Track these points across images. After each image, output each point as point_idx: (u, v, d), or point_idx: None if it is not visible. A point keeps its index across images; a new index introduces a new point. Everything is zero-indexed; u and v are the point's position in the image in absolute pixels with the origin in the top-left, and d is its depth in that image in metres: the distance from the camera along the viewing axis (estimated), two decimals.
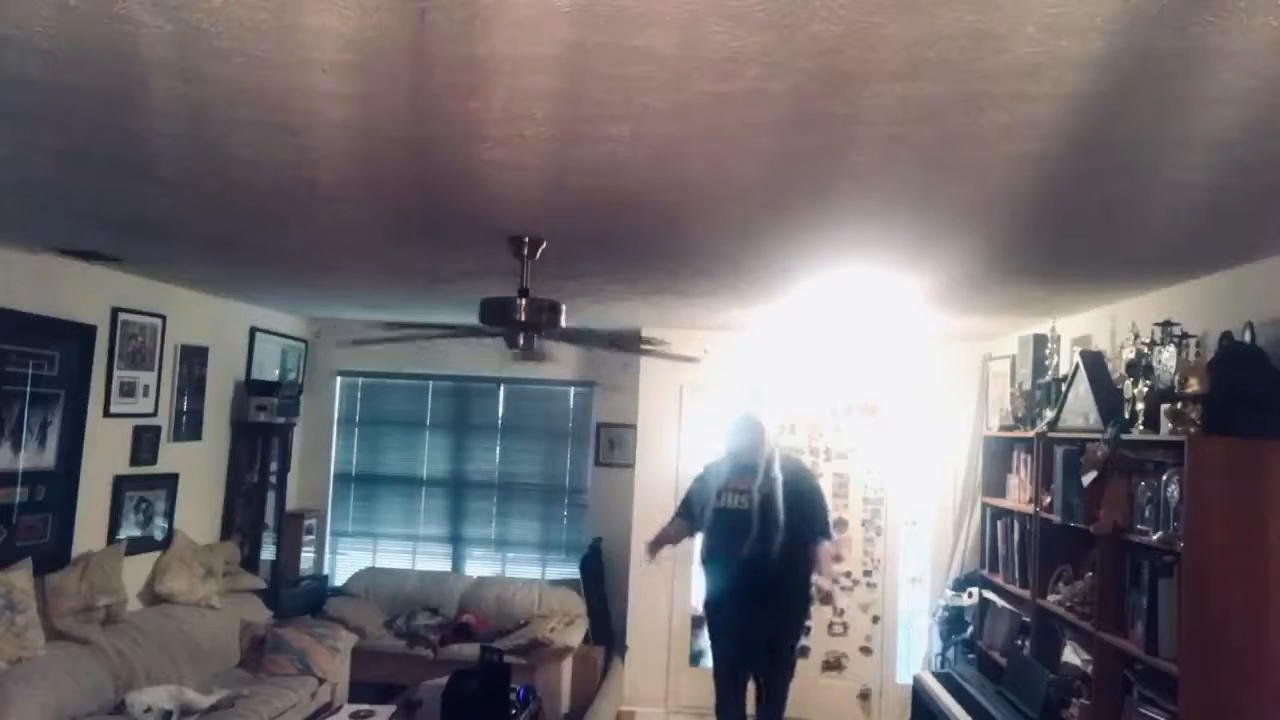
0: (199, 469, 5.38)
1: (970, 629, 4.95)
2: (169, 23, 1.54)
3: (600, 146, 2.12)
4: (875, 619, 5.69)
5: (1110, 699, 3.32)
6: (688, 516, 4.60)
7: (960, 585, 5.13)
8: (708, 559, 4.50)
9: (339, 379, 6.72)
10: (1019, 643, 4.28)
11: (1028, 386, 4.44)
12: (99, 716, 3.82)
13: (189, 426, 5.24)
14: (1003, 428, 4.78)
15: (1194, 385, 2.87)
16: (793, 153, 2.12)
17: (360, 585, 6.20)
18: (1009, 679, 4.06)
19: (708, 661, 5.81)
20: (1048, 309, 4.29)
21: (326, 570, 6.60)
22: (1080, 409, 3.64)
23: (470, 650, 5.09)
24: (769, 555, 4.20)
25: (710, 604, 4.56)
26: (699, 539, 4.63)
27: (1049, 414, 4.04)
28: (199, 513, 5.38)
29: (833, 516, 4.86)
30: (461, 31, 1.54)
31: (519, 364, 5.89)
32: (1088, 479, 3.41)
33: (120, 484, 4.67)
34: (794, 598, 4.45)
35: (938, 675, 4.60)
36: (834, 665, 5.68)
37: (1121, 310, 3.89)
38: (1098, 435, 3.38)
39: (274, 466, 5.88)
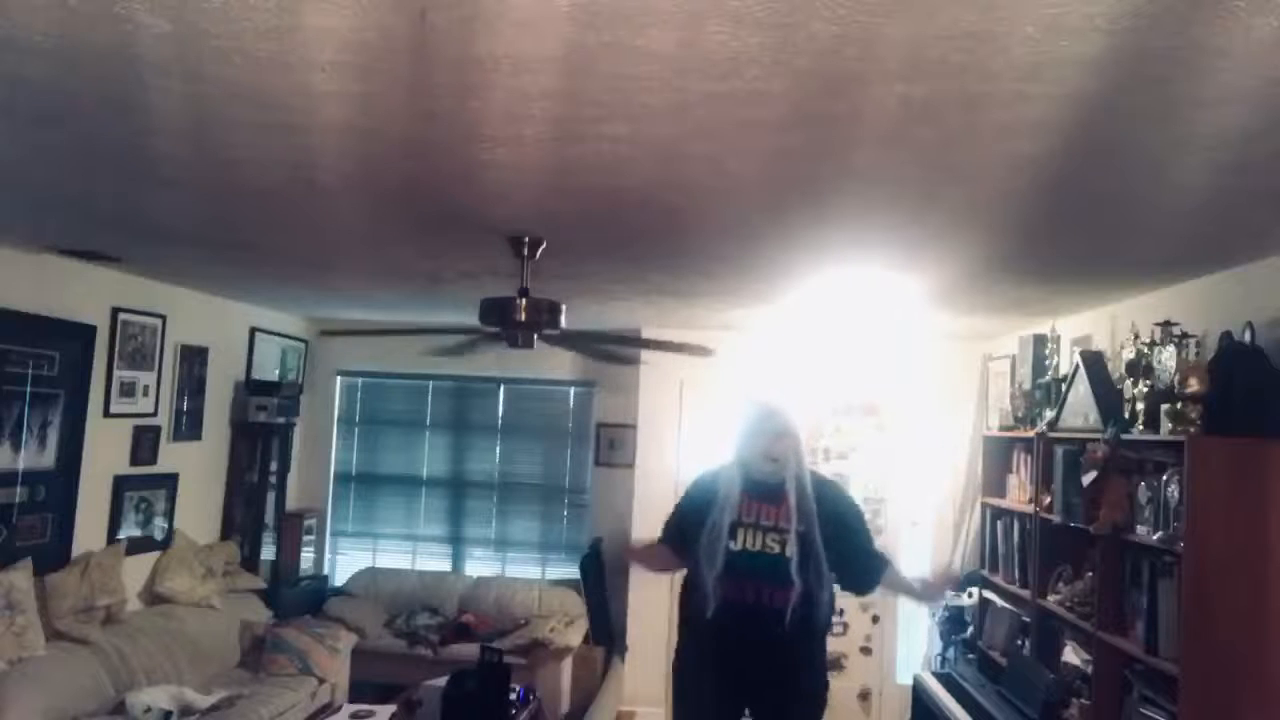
0: (199, 469, 5.38)
1: (970, 629, 4.95)
2: (169, 23, 1.54)
3: (600, 146, 2.12)
4: (875, 619, 5.69)
5: (1110, 699, 3.32)
6: (675, 540, 3.22)
7: (960, 585, 5.13)
8: (712, 617, 2.99)
9: (339, 379, 6.72)
10: (1019, 643, 4.27)
11: (1028, 386, 4.44)
12: (99, 716, 3.82)
13: (189, 426, 5.24)
14: (1003, 428, 4.77)
15: (1194, 385, 2.87)
16: (793, 152, 2.12)
17: (360, 585, 6.21)
18: (1009, 679, 4.06)
19: None
20: (1048, 309, 4.29)
21: (326, 570, 6.61)
22: (1080, 409, 3.64)
23: (470, 650, 5.09)
24: (813, 626, 3.01)
25: (697, 688, 3.14)
26: (684, 578, 3.25)
27: (1049, 414, 4.04)
28: (199, 513, 5.38)
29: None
30: (461, 31, 1.54)
31: (519, 364, 5.87)
32: (1088, 479, 3.41)
33: (120, 484, 4.67)
34: (821, 685, 3.19)
35: (938, 675, 4.60)
36: (834, 665, 5.67)
37: (1121, 310, 3.89)
38: (1098, 435, 3.38)
39: (274, 466, 5.88)
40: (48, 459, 4.19)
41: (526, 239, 3.14)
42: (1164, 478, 3.00)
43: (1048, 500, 3.92)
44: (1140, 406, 3.21)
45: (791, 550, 2.96)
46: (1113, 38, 1.46)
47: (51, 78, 1.83)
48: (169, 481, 5.05)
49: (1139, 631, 3.10)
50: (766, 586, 2.98)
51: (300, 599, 5.88)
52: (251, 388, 5.74)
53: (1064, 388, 3.87)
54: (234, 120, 2.05)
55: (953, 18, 1.41)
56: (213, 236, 3.55)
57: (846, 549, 3.10)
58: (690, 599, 3.16)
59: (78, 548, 4.35)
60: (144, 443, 4.84)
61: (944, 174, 2.24)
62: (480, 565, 6.57)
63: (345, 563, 6.64)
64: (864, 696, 5.63)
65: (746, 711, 3.19)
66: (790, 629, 2.96)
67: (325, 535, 6.61)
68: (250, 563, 5.57)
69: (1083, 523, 3.48)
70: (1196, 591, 2.77)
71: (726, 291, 4.25)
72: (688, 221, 2.88)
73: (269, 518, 5.85)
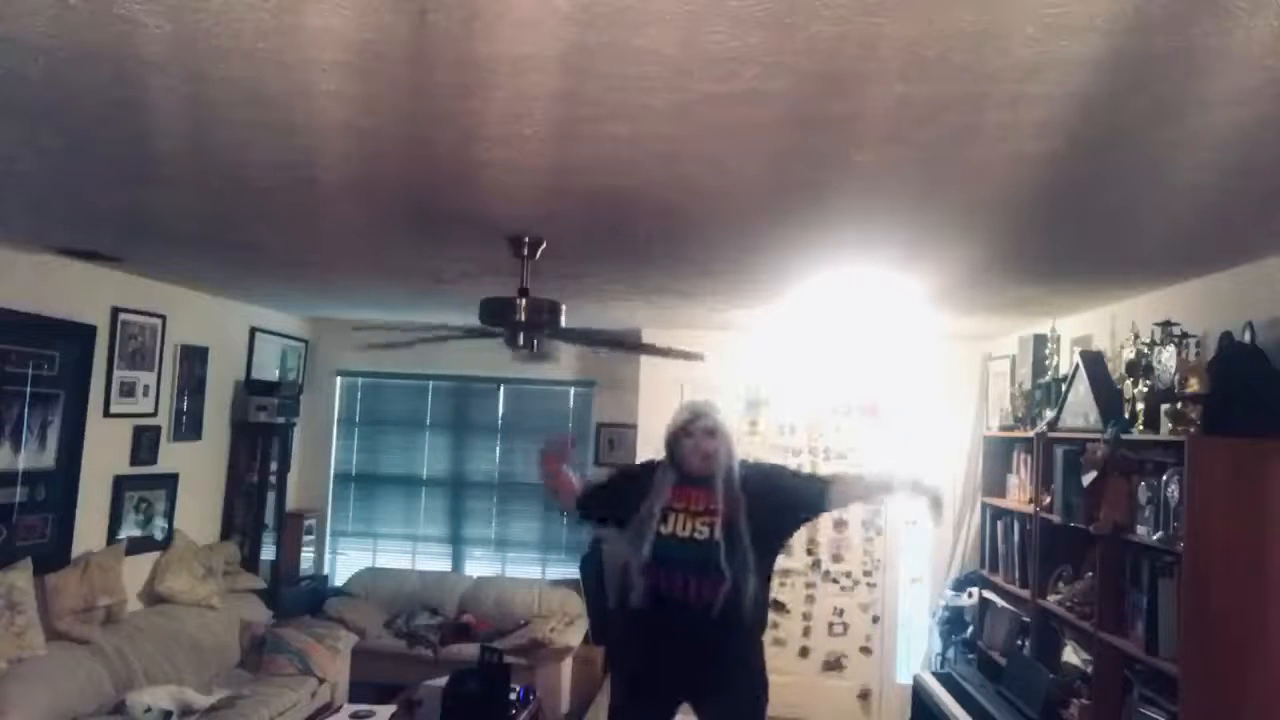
0: (199, 469, 5.37)
1: (970, 629, 4.95)
2: (169, 23, 1.54)
3: (600, 146, 2.12)
4: (875, 619, 5.69)
5: (1110, 699, 3.32)
6: (597, 487, 3.46)
7: (960, 585, 5.13)
8: (639, 607, 3.11)
9: (339, 379, 6.72)
10: (1019, 643, 4.27)
11: (1028, 386, 4.44)
12: (99, 716, 3.82)
13: (189, 426, 5.24)
14: (1003, 428, 4.77)
15: (1194, 385, 2.87)
16: (793, 153, 2.12)
17: (360, 585, 6.21)
18: (1009, 679, 4.06)
19: None
20: (1048, 309, 4.29)
21: (326, 570, 6.61)
22: (1080, 409, 3.64)
23: (470, 650, 5.09)
24: (742, 620, 3.07)
25: (635, 675, 3.29)
26: (613, 570, 3.44)
27: (1049, 414, 4.04)
28: (199, 513, 5.38)
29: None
30: (461, 31, 1.54)
31: (519, 364, 5.87)
32: (1088, 479, 3.41)
33: (120, 484, 4.67)
34: (759, 684, 3.26)
35: (938, 675, 4.60)
36: (834, 665, 5.68)
37: (1121, 310, 3.89)
38: (1098, 435, 3.38)
39: (274, 466, 5.88)
40: (48, 459, 4.18)
41: (526, 239, 3.13)
42: (1164, 478, 3.00)
43: (1048, 500, 3.92)
44: (1140, 406, 3.21)
45: (719, 535, 3.05)
46: (1113, 38, 1.46)
47: (51, 77, 1.83)
48: (169, 481, 5.05)
49: (1139, 631, 3.10)
50: (694, 579, 3.05)
51: (300, 599, 5.88)
52: (251, 388, 5.74)
53: (1064, 388, 3.87)
54: (234, 120, 2.05)
55: (953, 18, 1.41)
56: (213, 236, 3.55)
57: (786, 487, 3.26)
58: (617, 584, 3.26)
59: (78, 548, 4.34)
60: (144, 443, 4.84)
61: (944, 174, 2.24)
62: (480, 565, 6.57)
63: (345, 563, 6.64)
64: (864, 696, 5.63)
65: (687, 706, 3.26)
66: (719, 624, 3.03)
67: (325, 535, 6.61)
68: (250, 563, 5.57)
69: (1083, 523, 3.48)
70: (1196, 591, 2.77)
71: (726, 291, 4.24)
72: (688, 221, 2.88)
73: (269, 518, 5.85)
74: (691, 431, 3.19)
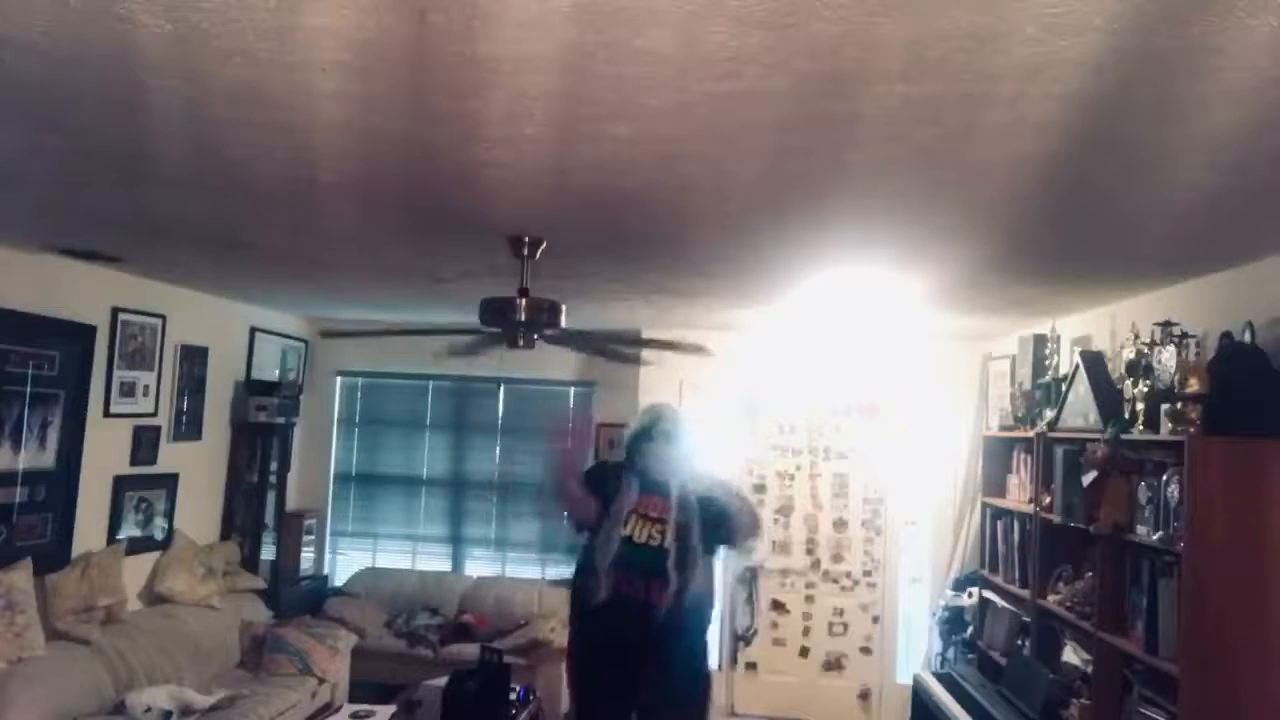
0: (199, 469, 5.37)
1: (970, 629, 4.95)
2: (169, 23, 1.54)
3: (600, 146, 2.12)
4: (875, 619, 5.69)
5: (1110, 699, 3.32)
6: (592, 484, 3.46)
7: (960, 585, 5.13)
8: (600, 607, 3.28)
9: (339, 379, 6.72)
10: (1019, 643, 4.27)
11: (1028, 386, 4.44)
12: (99, 716, 3.82)
13: (189, 426, 5.24)
14: (1003, 428, 4.77)
15: (1194, 385, 2.87)
16: (793, 153, 2.12)
17: (360, 585, 6.21)
18: (1009, 679, 4.06)
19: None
20: (1048, 309, 4.29)
21: (326, 570, 6.61)
22: (1080, 409, 3.64)
23: (470, 650, 5.09)
24: (685, 622, 3.28)
25: (589, 667, 3.45)
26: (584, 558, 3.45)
27: (1049, 414, 4.04)
28: (199, 513, 5.38)
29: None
30: (461, 31, 1.54)
31: (519, 364, 5.86)
32: (1088, 479, 3.41)
33: (120, 484, 4.67)
34: (701, 681, 3.45)
35: (938, 675, 4.60)
36: (834, 665, 5.68)
37: (1121, 310, 3.89)
38: (1098, 435, 3.38)
39: (274, 466, 5.88)
40: (48, 459, 4.18)
41: (526, 239, 3.14)
42: (1164, 478, 3.00)
43: (1048, 500, 3.92)
44: (1140, 406, 3.21)
45: (669, 542, 3.20)
46: (1112, 38, 1.46)
47: (51, 78, 1.83)
48: (169, 481, 5.05)
49: (1139, 631, 3.10)
50: (643, 581, 3.21)
51: (300, 599, 5.88)
52: (251, 388, 5.74)
53: (1064, 388, 3.87)
54: (234, 120, 2.05)
55: (953, 18, 1.41)
56: (213, 236, 3.55)
57: (728, 511, 3.38)
58: (583, 584, 3.36)
59: (78, 548, 4.34)
60: (144, 443, 4.84)
61: (944, 174, 2.24)
62: (480, 565, 6.57)
63: (345, 563, 6.64)
64: (864, 696, 5.63)
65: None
66: (664, 624, 3.18)
67: (325, 535, 6.61)
68: (250, 563, 5.57)
69: (1083, 523, 3.48)
70: (1196, 591, 2.77)
71: (726, 291, 4.25)
72: (688, 221, 2.89)
73: (269, 518, 5.85)
74: (652, 436, 3.33)
